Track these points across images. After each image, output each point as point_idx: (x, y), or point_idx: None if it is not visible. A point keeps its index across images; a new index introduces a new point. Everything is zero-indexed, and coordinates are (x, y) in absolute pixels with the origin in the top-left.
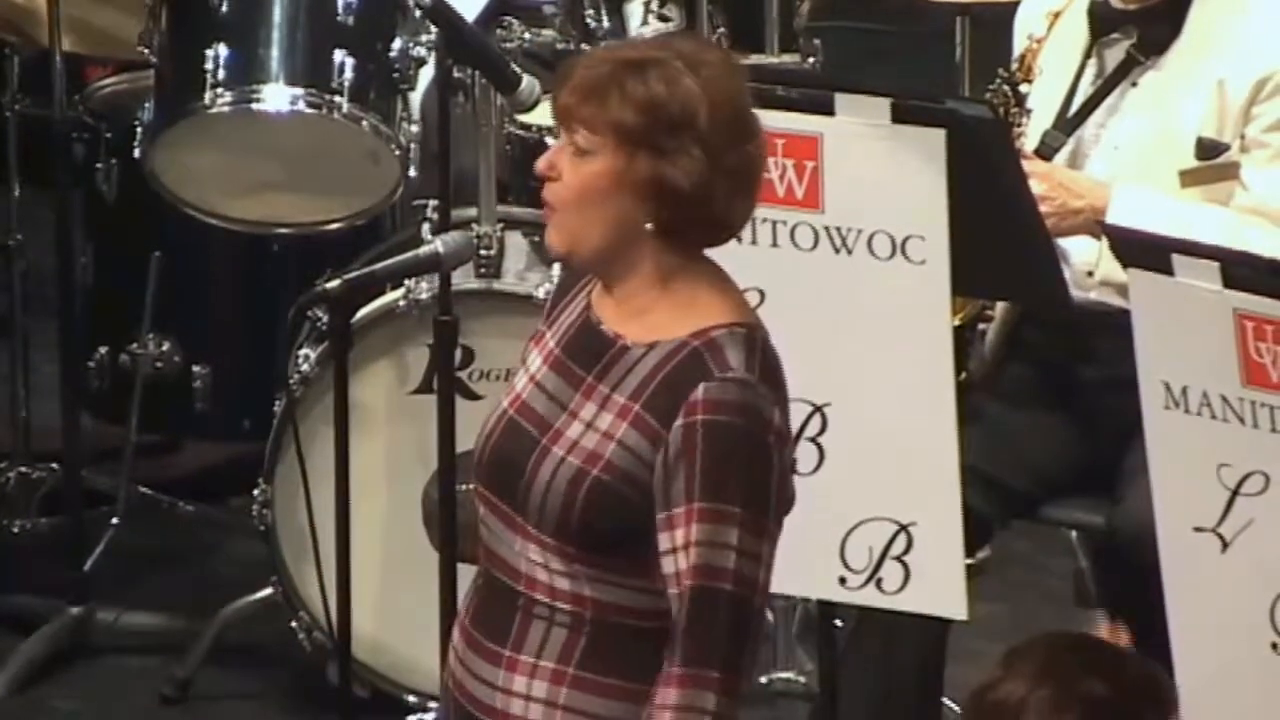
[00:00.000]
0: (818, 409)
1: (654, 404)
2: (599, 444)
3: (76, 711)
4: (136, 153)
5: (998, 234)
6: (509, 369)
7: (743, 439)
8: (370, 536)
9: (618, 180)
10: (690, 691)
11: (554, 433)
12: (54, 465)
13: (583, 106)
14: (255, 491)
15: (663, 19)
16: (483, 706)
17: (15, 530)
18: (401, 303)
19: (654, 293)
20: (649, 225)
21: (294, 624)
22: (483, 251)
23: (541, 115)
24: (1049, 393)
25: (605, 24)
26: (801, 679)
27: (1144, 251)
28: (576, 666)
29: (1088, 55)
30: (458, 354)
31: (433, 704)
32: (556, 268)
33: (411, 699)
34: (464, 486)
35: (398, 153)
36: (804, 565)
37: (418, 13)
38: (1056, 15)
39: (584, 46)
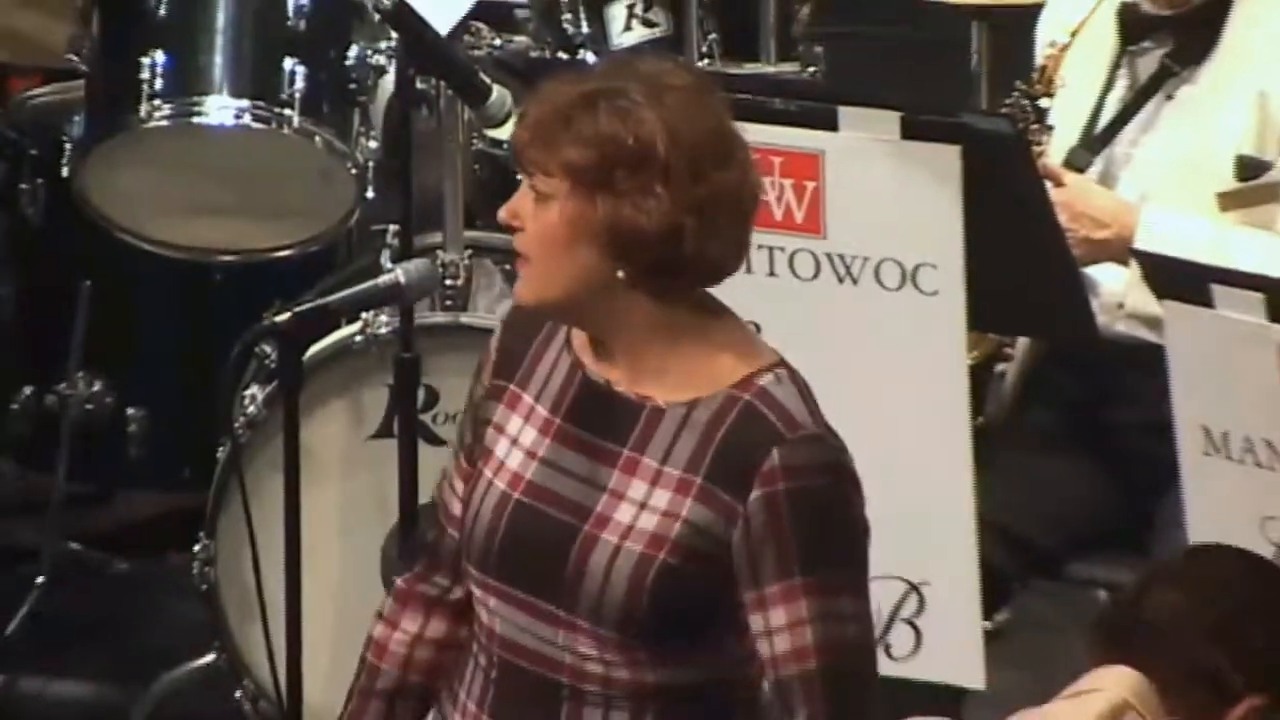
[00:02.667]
0: None
1: (719, 473)
2: (661, 525)
3: None
4: (65, 171)
5: (1018, 262)
6: None
7: (832, 500)
8: (323, 596)
9: (577, 227)
10: None
11: (597, 517)
12: None
13: (532, 147)
14: (196, 547)
15: (648, 24)
16: None
17: None
18: (358, 338)
19: (661, 345)
20: (620, 274)
21: (238, 693)
22: (448, 281)
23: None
24: (1074, 438)
25: (584, 29)
26: None
27: (1180, 281)
28: None
29: (1117, 65)
30: (420, 395)
31: None
32: None
33: None
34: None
35: (354, 171)
36: None
37: (376, 16)
38: (1082, 22)
39: (560, 54)
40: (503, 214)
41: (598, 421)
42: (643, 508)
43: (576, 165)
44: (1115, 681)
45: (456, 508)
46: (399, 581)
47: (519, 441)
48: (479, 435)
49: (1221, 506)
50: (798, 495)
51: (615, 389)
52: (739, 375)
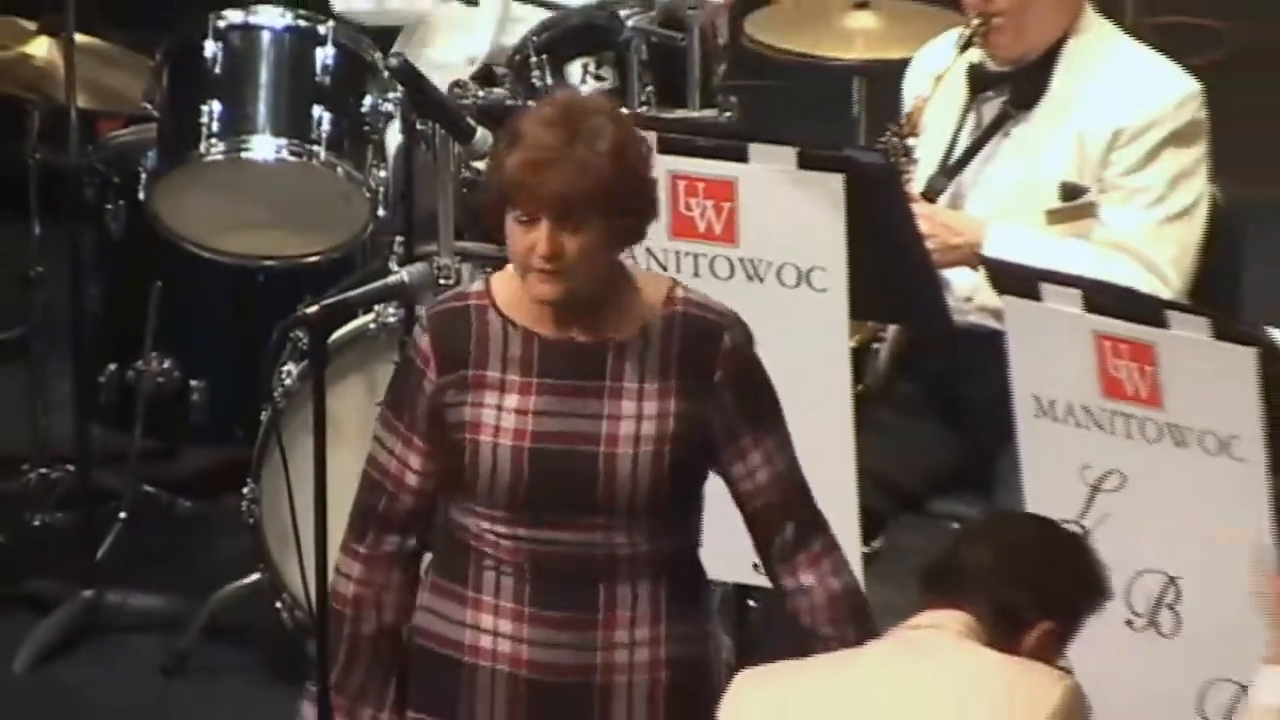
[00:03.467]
0: None
1: (686, 371)
2: (659, 426)
3: (87, 683)
4: (141, 195)
5: (889, 265)
6: None
7: (758, 359)
8: (344, 528)
9: (609, 239)
10: (841, 554)
11: (607, 439)
12: (69, 467)
13: (567, 201)
14: (244, 490)
15: (598, 79)
16: (574, 669)
17: (35, 524)
18: (372, 325)
19: (606, 296)
20: (619, 256)
21: (278, 605)
22: (442, 281)
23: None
24: (934, 405)
25: (549, 83)
26: (721, 653)
27: (1016, 280)
28: (668, 603)
29: (966, 111)
30: None
31: None
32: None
33: None
34: None
35: (368, 195)
36: (723, 553)
37: (386, 73)
38: (939, 77)
39: (530, 103)
40: (545, 251)
41: (572, 369)
42: (640, 419)
43: (604, 200)
44: (951, 619)
45: (411, 479)
46: (360, 549)
47: (504, 407)
48: (438, 420)
49: (1049, 457)
50: (745, 364)
51: (577, 341)
52: (660, 296)
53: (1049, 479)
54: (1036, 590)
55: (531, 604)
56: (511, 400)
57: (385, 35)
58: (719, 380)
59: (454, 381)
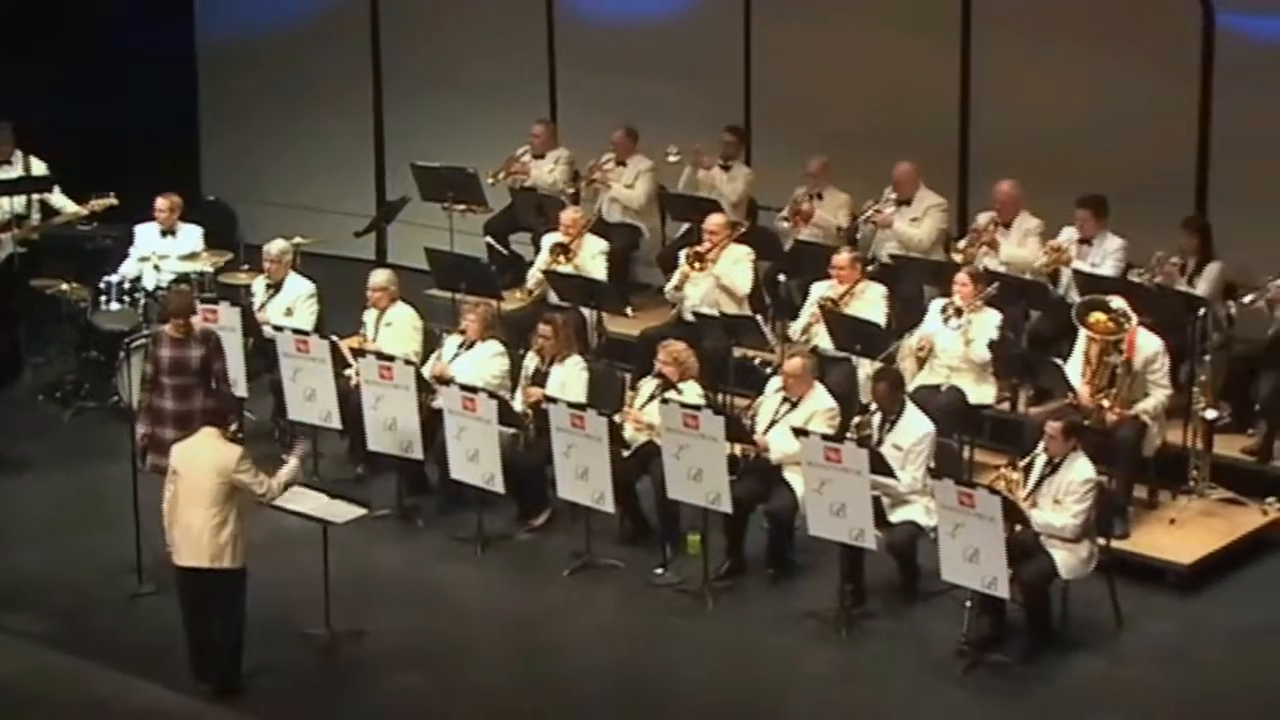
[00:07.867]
0: None
1: (218, 352)
2: (195, 362)
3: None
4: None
5: None
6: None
7: (221, 343)
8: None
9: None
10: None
11: (198, 362)
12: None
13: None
14: (113, 379)
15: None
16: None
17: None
18: (138, 341)
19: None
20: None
21: (120, 405)
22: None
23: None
24: None
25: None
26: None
27: None
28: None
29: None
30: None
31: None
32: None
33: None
34: None
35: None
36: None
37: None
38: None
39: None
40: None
41: (181, 348)
42: (198, 359)
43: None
44: (210, 430)
45: (150, 371)
46: (149, 388)
47: (162, 358)
48: (158, 369)
49: None
50: (217, 344)
51: (177, 338)
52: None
53: None
54: (217, 413)
55: (172, 409)
56: (165, 353)
57: None
58: (210, 346)
59: (161, 350)
